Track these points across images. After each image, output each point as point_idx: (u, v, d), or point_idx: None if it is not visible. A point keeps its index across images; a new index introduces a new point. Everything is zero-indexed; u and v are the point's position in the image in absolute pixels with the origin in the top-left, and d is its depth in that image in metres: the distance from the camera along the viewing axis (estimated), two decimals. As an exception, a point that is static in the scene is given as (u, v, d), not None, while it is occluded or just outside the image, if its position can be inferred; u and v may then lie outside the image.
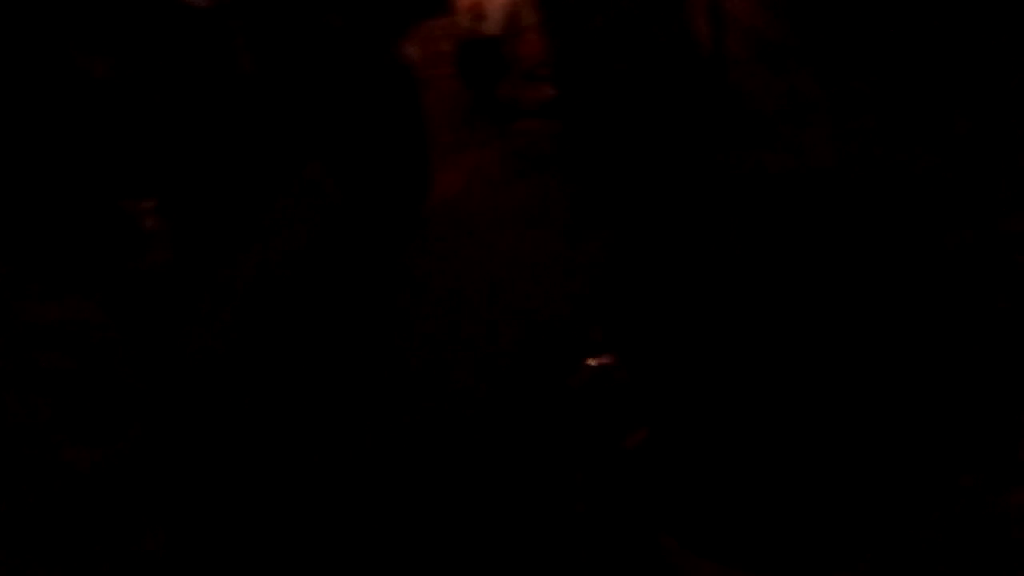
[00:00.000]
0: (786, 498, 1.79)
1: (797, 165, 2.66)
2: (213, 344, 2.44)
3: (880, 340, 2.03)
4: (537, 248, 2.57)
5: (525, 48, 3.23)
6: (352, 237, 2.65)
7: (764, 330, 2.13)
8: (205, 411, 2.16)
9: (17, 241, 2.36)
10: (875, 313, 2.11)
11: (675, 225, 2.52)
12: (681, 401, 2.03)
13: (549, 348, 2.19)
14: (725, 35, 3.03)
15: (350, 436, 2.11)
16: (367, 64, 2.84)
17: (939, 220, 2.29)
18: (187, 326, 2.46)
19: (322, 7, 3.03)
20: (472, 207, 2.77)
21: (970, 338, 2.02)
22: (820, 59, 3.10)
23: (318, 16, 2.93)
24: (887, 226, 2.32)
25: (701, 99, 2.92)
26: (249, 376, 2.26)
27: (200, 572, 1.84)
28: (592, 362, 1.77)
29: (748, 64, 3.07)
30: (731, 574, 1.70)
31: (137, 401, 2.07)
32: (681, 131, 2.80)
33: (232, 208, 2.82)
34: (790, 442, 1.88)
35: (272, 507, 1.93)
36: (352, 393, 2.19)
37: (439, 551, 1.82)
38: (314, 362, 2.30)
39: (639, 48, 2.92)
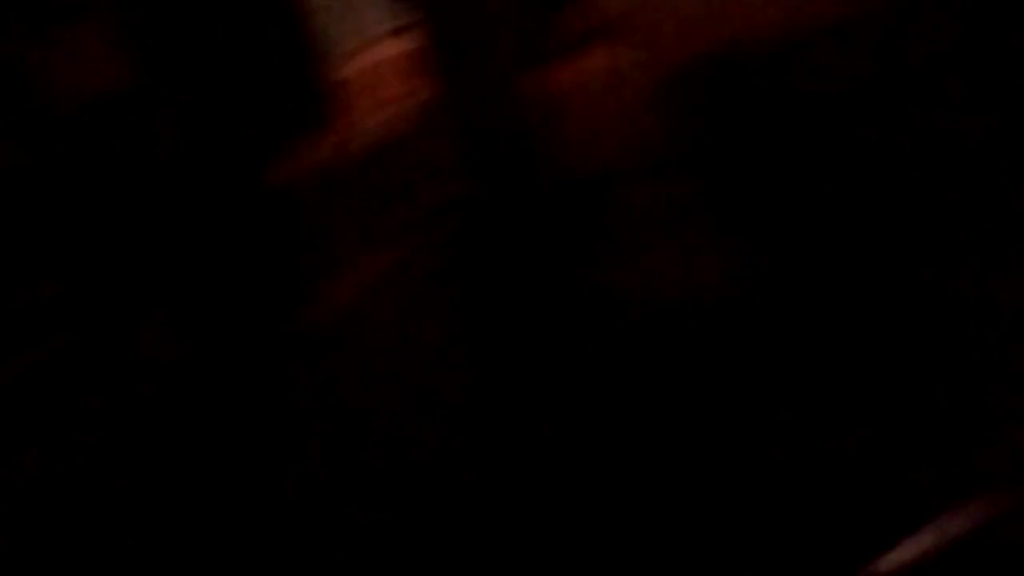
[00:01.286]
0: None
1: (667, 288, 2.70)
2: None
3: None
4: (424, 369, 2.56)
5: (430, 154, 3.28)
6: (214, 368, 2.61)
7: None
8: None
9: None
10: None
11: (541, 350, 2.52)
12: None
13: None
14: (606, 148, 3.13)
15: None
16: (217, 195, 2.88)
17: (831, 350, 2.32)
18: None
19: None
20: (363, 324, 2.75)
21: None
22: (704, 171, 3.20)
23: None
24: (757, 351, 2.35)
25: (578, 216, 2.98)
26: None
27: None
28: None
29: (630, 176, 3.15)
30: None
31: None
32: (556, 251, 2.85)
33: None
34: None
35: None
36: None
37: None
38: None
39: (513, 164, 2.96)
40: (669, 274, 2.75)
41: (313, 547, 2.07)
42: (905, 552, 1.66)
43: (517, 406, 2.33)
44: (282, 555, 2.06)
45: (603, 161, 3.23)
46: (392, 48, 5.04)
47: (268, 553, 2.08)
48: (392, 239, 3.02)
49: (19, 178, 2.84)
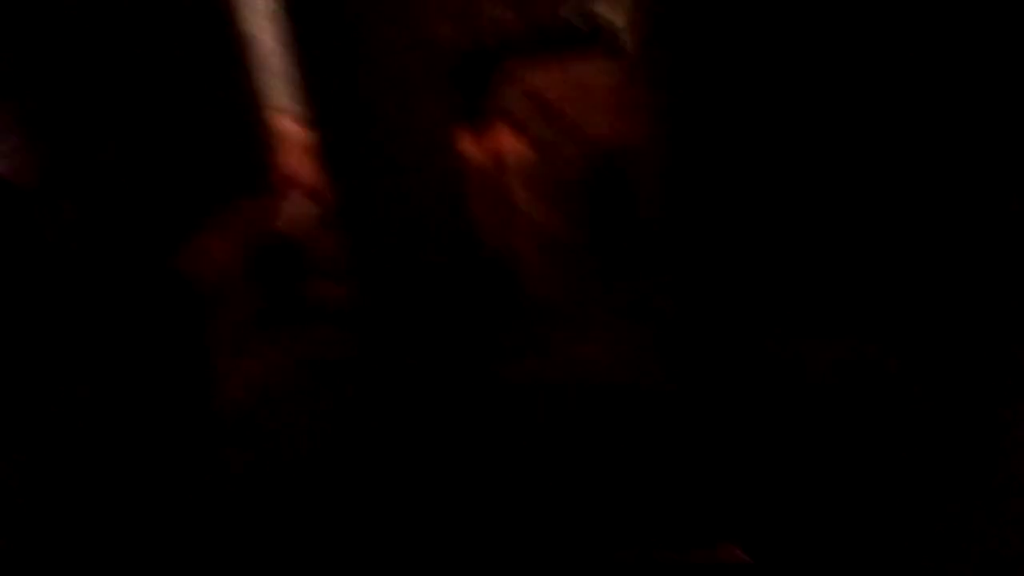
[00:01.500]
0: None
1: (571, 376, 2.72)
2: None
3: None
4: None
5: (324, 247, 3.26)
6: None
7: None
8: None
9: None
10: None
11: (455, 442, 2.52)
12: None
13: None
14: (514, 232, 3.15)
15: None
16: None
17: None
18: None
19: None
20: (258, 420, 2.73)
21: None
22: (604, 256, 3.25)
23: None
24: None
25: (485, 299, 2.98)
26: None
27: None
28: None
29: (535, 261, 3.18)
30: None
31: None
32: (463, 337, 2.85)
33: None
34: None
35: None
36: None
37: None
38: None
39: (420, 250, 2.94)
40: (582, 362, 2.78)
41: None
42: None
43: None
44: None
45: (508, 242, 3.26)
46: (295, 129, 5.06)
47: None
48: (292, 329, 3.01)
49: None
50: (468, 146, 2.99)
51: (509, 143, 3.73)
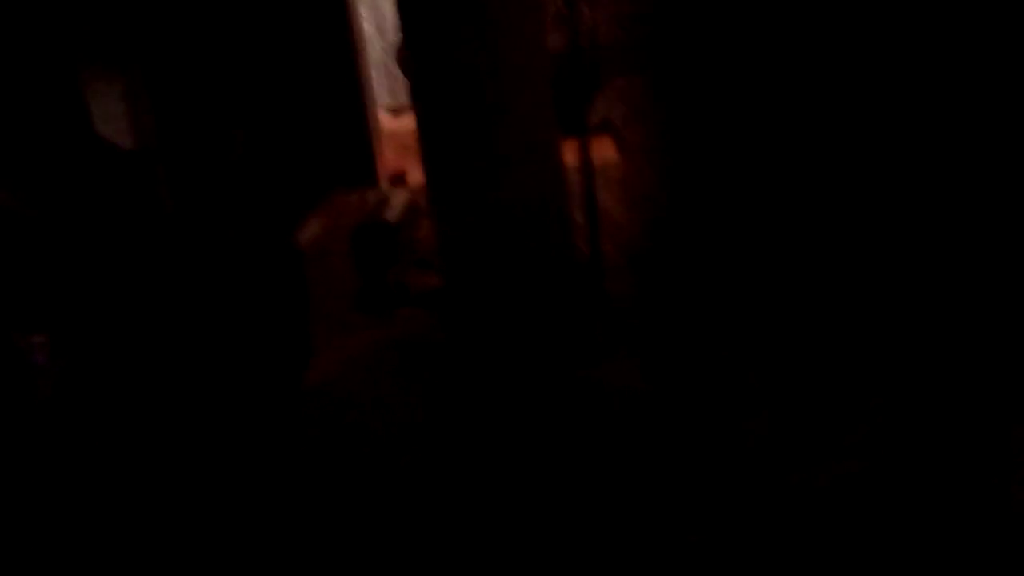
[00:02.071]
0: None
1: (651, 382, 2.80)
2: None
3: None
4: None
5: (421, 236, 3.42)
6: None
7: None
8: None
9: None
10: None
11: (531, 443, 2.60)
12: None
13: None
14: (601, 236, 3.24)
15: None
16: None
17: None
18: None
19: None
20: (345, 395, 2.87)
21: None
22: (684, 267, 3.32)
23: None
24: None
25: (575, 307, 3.07)
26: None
27: None
28: None
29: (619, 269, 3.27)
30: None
31: None
32: (550, 340, 2.95)
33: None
34: None
35: None
36: None
37: None
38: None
39: (519, 248, 3.03)
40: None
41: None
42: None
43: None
44: None
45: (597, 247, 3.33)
46: (390, 123, 5.18)
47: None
48: (387, 312, 3.15)
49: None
50: (569, 153, 3.08)
51: (607, 152, 3.82)
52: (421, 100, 2.94)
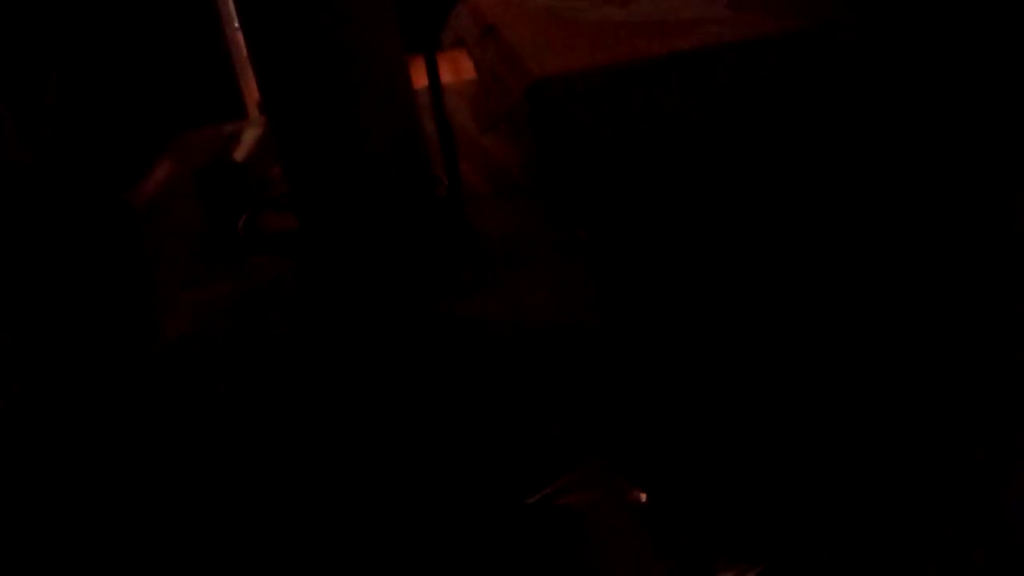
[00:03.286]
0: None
1: (519, 316, 2.72)
2: None
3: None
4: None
5: (274, 176, 3.19)
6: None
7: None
8: None
9: None
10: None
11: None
12: None
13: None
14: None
15: None
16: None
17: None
18: None
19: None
20: (197, 352, 2.72)
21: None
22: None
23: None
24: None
25: (433, 241, 2.96)
26: None
27: None
28: None
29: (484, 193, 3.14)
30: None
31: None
32: (408, 276, 2.84)
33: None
34: None
35: None
36: None
37: None
38: None
39: (369, 179, 2.89)
40: (535, 303, 2.76)
41: None
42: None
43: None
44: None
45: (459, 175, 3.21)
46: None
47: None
48: (237, 260, 2.97)
49: None
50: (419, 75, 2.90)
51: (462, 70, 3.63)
52: (248, 30, 2.72)
